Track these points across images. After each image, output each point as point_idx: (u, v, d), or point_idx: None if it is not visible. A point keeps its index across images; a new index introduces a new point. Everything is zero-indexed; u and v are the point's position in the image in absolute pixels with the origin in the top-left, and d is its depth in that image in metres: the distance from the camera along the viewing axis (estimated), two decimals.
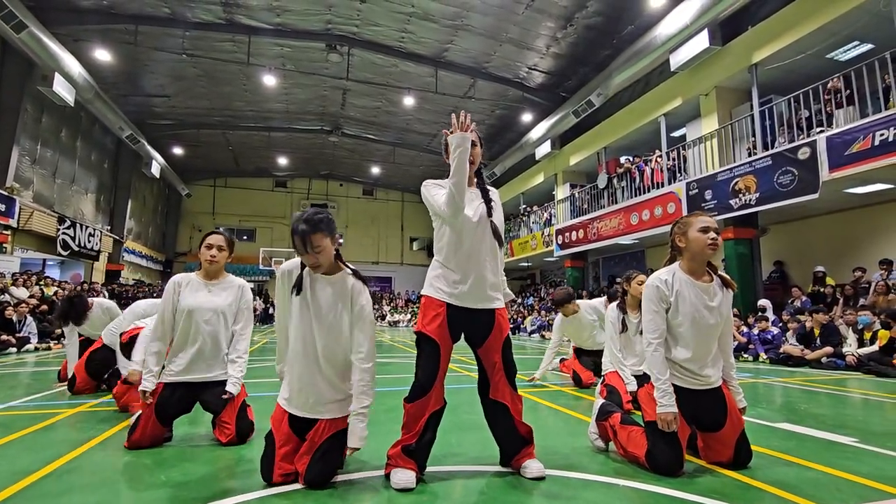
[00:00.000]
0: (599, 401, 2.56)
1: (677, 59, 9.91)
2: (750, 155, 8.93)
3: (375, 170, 23.96)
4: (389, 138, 19.66)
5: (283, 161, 23.10)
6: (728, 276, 2.24)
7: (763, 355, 7.44)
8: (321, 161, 23.37)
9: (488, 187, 2.24)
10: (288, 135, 19.69)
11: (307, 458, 1.93)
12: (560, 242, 14.57)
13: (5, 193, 11.04)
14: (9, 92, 11.34)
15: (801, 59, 8.63)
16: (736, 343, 8.00)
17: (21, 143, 11.91)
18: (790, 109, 8.57)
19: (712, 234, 2.11)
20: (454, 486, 1.96)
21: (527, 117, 15.85)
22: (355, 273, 2.08)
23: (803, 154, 7.59)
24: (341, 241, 26.55)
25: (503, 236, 2.18)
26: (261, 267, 22.15)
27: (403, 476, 1.89)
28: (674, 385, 2.13)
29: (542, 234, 15.81)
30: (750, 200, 8.53)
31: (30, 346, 8.21)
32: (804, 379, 5.46)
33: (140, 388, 2.50)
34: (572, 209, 14.76)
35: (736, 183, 8.77)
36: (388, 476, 1.96)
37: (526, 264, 19.07)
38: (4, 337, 7.74)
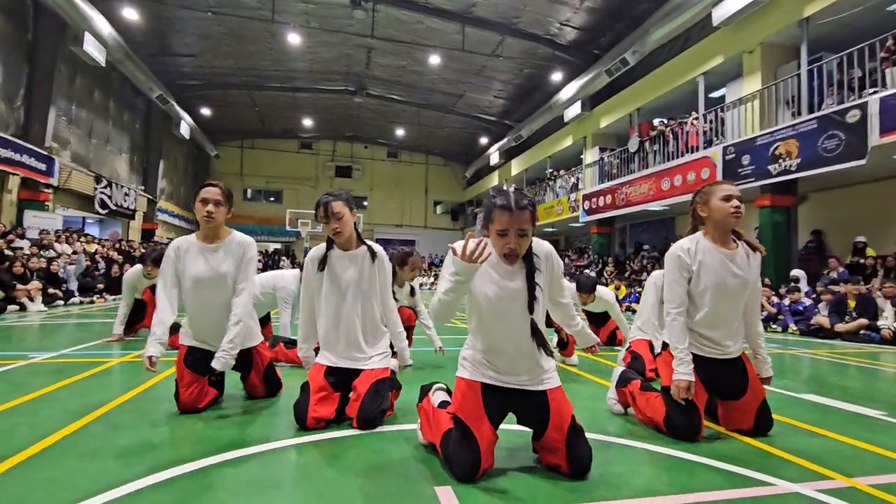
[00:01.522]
0: (620, 368, 2.58)
1: (721, 12, 9.26)
2: (795, 118, 8.43)
3: (400, 132, 23.71)
4: (415, 99, 19.32)
5: (308, 122, 23.06)
6: (755, 241, 2.19)
7: (793, 326, 7.28)
8: (346, 122, 23.24)
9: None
10: (313, 95, 19.56)
11: (356, 405, 2.11)
12: (587, 208, 14.29)
13: (45, 153, 11.43)
14: (43, 52, 11.53)
15: (858, 11, 7.96)
16: (765, 313, 7.84)
17: (57, 103, 12.21)
18: (841, 68, 7.98)
19: (735, 203, 2.05)
20: None
21: (556, 77, 15.27)
22: (372, 248, 2.35)
23: (852, 117, 7.12)
24: (365, 204, 26.73)
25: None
26: (287, 228, 22.56)
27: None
28: (693, 354, 2.12)
29: (569, 199, 15.52)
30: (790, 166, 8.12)
31: (75, 300, 8.70)
32: (834, 351, 5.34)
33: (145, 353, 2.23)
34: (601, 174, 14.37)
35: (776, 147, 8.34)
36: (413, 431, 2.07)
37: (551, 230, 18.86)
38: (52, 290, 8.20)
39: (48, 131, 11.72)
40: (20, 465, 1.67)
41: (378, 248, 2.38)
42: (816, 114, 7.81)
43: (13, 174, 10.69)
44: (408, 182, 27.20)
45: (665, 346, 2.24)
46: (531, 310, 1.68)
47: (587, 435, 1.74)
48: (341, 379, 2.21)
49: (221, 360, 2.26)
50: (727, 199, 2.06)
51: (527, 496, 1.53)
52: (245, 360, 2.48)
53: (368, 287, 2.30)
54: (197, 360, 2.35)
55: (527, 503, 1.48)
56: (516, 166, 20.87)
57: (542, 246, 1.77)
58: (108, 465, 1.68)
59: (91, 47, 11.35)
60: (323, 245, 2.33)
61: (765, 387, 2.24)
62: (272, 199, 26.13)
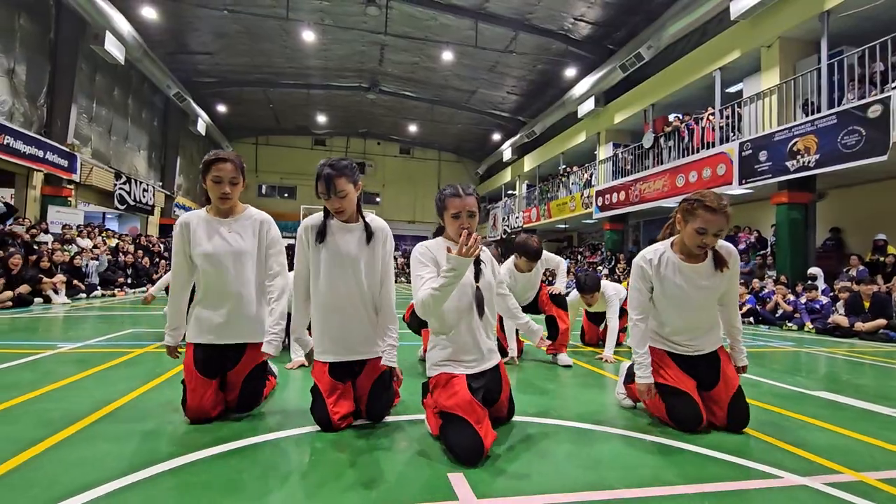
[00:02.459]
0: (628, 363, 2.60)
1: (739, 6, 9.12)
2: (809, 113, 8.28)
3: (413, 128, 23.76)
4: (427, 95, 19.34)
5: (321, 119, 23.23)
6: (723, 254, 2.12)
7: (809, 325, 7.18)
8: (359, 119, 23.35)
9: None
10: (326, 92, 19.70)
11: (364, 398, 2.10)
12: (600, 204, 14.20)
13: (67, 150, 11.71)
14: (64, 51, 11.80)
15: (880, 3, 7.77)
16: (781, 311, 7.75)
17: (78, 101, 12.49)
18: (863, 62, 7.81)
19: (705, 240, 2.01)
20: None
21: (570, 72, 15.16)
22: (371, 223, 2.12)
23: (874, 112, 6.98)
24: (378, 200, 26.87)
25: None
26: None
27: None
28: (668, 352, 2.24)
29: (582, 195, 15.43)
30: (808, 162, 7.99)
31: (97, 293, 8.94)
32: (851, 350, 5.27)
33: (164, 343, 2.19)
34: (614, 170, 14.25)
35: (795, 143, 8.21)
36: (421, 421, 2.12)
37: (563, 226, 18.77)
38: (75, 283, 8.44)
39: (70, 128, 12.00)
40: (54, 446, 1.77)
41: (379, 221, 2.15)
42: (836, 109, 7.67)
43: (37, 170, 10.99)
44: (420, 178, 27.26)
45: None
46: (479, 302, 1.95)
47: (594, 427, 1.78)
48: (348, 370, 2.11)
49: (273, 344, 2.05)
50: (701, 232, 2.00)
51: (539, 481, 1.57)
52: (235, 354, 2.14)
53: (373, 264, 2.08)
54: (207, 360, 2.09)
55: (539, 488, 1.53)
56: (529, 162, 20.79)
57: (485, 252, 2.11)
58: (135, 449, 1.77)
59: (111, 46, 11.58)
60: (320, 214, 2.09)
61: (777, 382, 2.25)
62: (286, 194, 26.41)
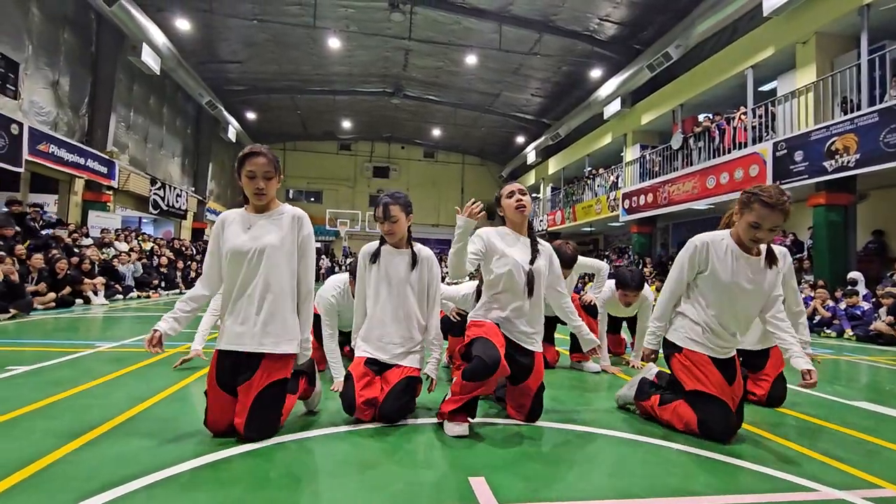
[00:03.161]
0: (642, 374, 2.53)
1: (772, 2, 8.82)
2: (849, 111, 7.94)
3: (436, 132, 23.86)
4: (451, 99, 19.40)
5: (346, 124, 23.59)
6: (776, 252, 2.17)
7: (849, 332, 6.87)
8: (383, 124, 23.60)
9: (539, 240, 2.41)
10: (351, 98, 19.99)
11: (382, 397, 2.16)
12: (627, 207, 13.94)
13: (106, 157, 12.24)
14: (105, 63, 12.34)
15: None
16: (819, 317, 7.44)
17: (117, 110, 13.04)
18: None
19: (759, 234, 2.02)
20: (496, 433, 2.08)
21: (596, 73, 14.96)
22: (418, 252, 2.38)
23: None
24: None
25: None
26: (327, 227, 23.17)
27: (457, 428, 2.06)
28: (710, 357, 2.14)
29: (608, 197, 15.19)
30: (848, 162, 7.66)
31: (133, 294, 9.29)
32: (895, 359, 5.02)
33: (155, 327, 1.94)
34: (642, 171, 13.97)
35: (833, 142, 7.88)
36: (441, 424, 2.13)
37: (589, 229, 18.50)
38: (114, 285, 8.78)
39: (109, 137, 12.54)
40: (93, 441, 1.85)
41: (426, 250, 2.41)
42: (878, 106, 7.34)
43: (79, 177, 11.51)
44: (444, 182, 27.33)
45: (676, 348, 2.23)
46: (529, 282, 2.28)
47: (622, 435, 1.74)
48: (381, 368, 2.28)
49: (304, 355, 2.03)
50: (755, 226, 2.01)
51: (561, 487, 1.56)
52: (251, 365, 1.91)
53: (417, 286, 2.33)
54: (226, 369, 1.93)
55: (561, 495, 1.51)
56: (553, 165, 20.59)
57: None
58: (168, 445, 1.83)
59: (148, 57, 12.06)
60: (376, 242, 2.39)
61: (815, 392, 2.20)
62: (312, 199, 26.88)
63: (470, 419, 2.11)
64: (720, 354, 2.17)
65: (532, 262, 2.26)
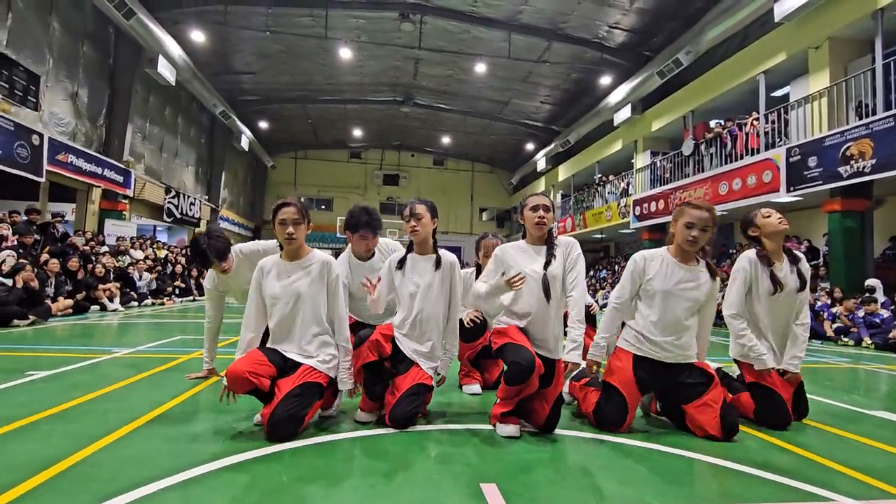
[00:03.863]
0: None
1: (784, 7, 8.79)
2: (864, 116, 7.85)
3: (446, 140, 23.99)
4: (460, 107, 19.52)
5: (357, 133, 23.82)
6: (714, 265, 2.36)
7: (867, 340, 6.74)
8: (393, 132, 23.79)
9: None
10: (362, 107, 20.21)
11: (392, 399, 2.20)
12: (637, 214, 13.87)
13: (123, 167, 12.49)
14: (122, 75, 12.64)
15: None
16: (837, 325, 7.31)
17: (133, 121, 13.32)
18: None
19: (693, 233, 2.23)
20: (509, 440, 2.08)
21: (605, 80, 14.97)
22: (442, 256, 2.45)
23: None
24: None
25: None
26: (338, 235, 23.30)
27: (508, 429, 2.15)
28: (636, 356, 2.30)
29: (619, 204, 15.12)
30: (864, 168, 7.55)
31: (147, 301, 9.43)
32: None
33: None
34: (653, 178, 13.89)
35: (848, 148, 7.79)
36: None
37: (600, 236, 18.41)
38: (129, 292, 8.92)
39: (126, 147, 12.79)
40: (112, 444, 1.88)
41: (450, 255, 2.47)
42: (894, 111, 7.24)
43: (96, 186, 11.75)
44: (454, 189, 27.42)
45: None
46: (545, 287, 2.27)
47: (635, 443, 1.73)
48: (395, 355, 2.35)
49: (346, 384, 2.26)
50: (690, 226, 2.24)
51: (572, 496, 1.56)
52: (292, 366, 2.18)
53: (440, 288, 2.40)
54: (271, 351, 2.24)
55: (573, 500, 1.51)
56: (563, 172, 20.56)
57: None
58: (185, 448, 1.86)
59: (164, 68, 12.32)
60: (403, 250, 2.52)
61: (832, 401, 2.14)
62: (323, 206, 27.11)
63: (522, 421, 2.22)
64: (661, 357, 2.28)
65: (546, 265, 2.27)
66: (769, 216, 2.52)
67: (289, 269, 2.28)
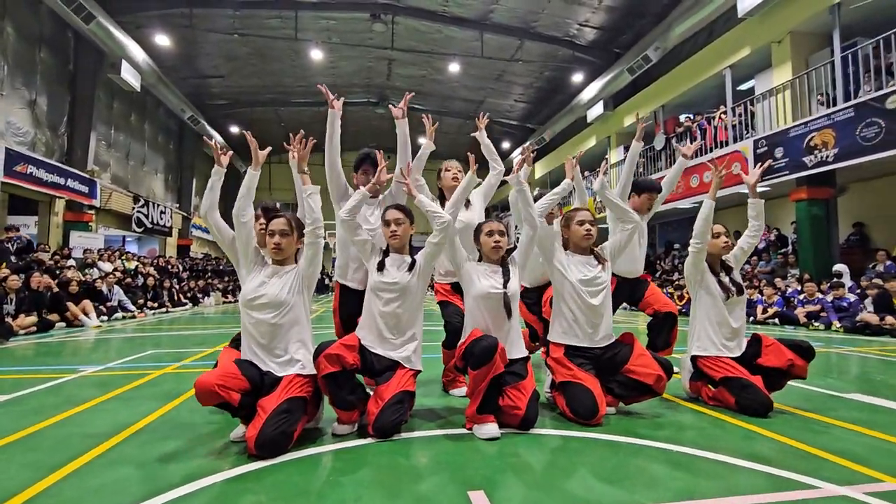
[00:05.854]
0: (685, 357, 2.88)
1: (746, 3, 9.03)
2: (828, 106, 8.11)
3: (422, 140, 23.86)
4: (435, 107, 19.45)
5: None
6: (601, 252, 2.68)
7: (836, 324, 6.96)
8: (369, 133, 23.56)
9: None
10: None
11: (376, 409, 2.12)
12: None
13: (87, 176, 12.03)
14: (83, 81, 12.17)
15: None
16: (807, 310, 7.53)
17: (97, 128, 12.84)
18: (878, 53, 7.65)
19: (587, 226, 2.61)
20: (492, 444, 2.04)
21: (577, 78, 15.14)
22: (419, 257, 2.51)
23: (892, 103, 6.81)
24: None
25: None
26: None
27: (486, 429, 2.13)
28: (568, 346, 2.51)
29: (595, 199, 15.31)
30: (827, 157, 7.81)
31: (118, 315, 9.09)
32: (883, 349, 5.08)
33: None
34: None
35: (811, 138, 8.04)
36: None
37: None
38: (98, 306, 8.57)
39: (90, 155, 12.33)
40: (75, 472, 1.77)
41: (421, 258, 2.51)
42: (853, 101, 7.51)
43: (59, 197, 11.29)
44: (432, 189, 27.22)
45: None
46: (506, 305, 2.40)
47: (622, 439, 1.71)
48: (374, 360, 2.32)
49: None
50: (581, 222, 2.62)
51: (562, 497, 1.52)
52: (271, 383, 2.07)
53: (413, 289, 2.42)
54: (248, 364, 2.13)
55: (563, 503, 1.48)
56: (540, 169, 20.73)
57: None
58: (155, 473, 1.76)
59: (127, 74, 11.93)
60: (386, 245, 2.57)
61: (808, 385, 2.19)
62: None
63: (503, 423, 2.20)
64: (588, 343, 2.50)
65: (505, 284, 2.37)
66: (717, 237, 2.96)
67: (268, 274, 2.26)
